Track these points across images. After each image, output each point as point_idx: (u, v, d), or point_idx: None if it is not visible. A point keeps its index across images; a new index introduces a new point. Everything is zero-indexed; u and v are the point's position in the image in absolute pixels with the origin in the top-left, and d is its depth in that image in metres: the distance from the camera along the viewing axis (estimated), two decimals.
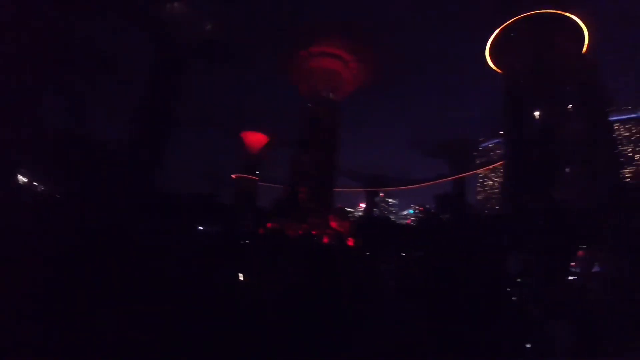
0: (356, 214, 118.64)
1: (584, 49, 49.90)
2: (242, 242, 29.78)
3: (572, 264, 31.32)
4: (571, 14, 48.67)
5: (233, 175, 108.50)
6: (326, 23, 70.07)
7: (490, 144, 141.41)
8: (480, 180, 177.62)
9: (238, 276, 13.81)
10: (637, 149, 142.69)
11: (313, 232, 44.86)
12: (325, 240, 44.99)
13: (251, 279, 13.63)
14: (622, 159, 67.39)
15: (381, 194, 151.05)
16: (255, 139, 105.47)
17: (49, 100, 50.58)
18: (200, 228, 47.50)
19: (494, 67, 57.32)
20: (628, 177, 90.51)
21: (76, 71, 55.54)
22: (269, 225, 42.92)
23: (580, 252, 31.64)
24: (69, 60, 53.69)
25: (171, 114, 64.33)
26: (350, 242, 44.97)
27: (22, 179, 44.22)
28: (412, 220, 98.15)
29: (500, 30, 52.90)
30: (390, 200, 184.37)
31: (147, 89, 61.94)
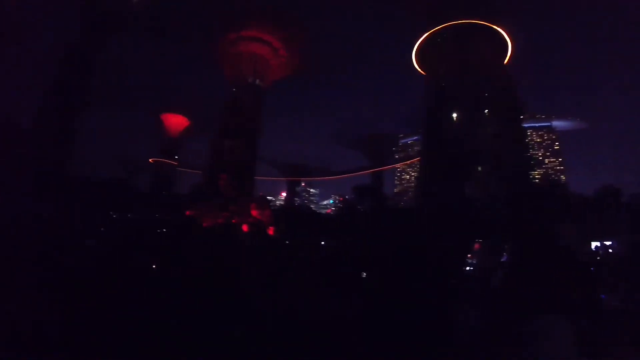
0: (277, 202, 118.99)
1: (506, 60, 53.60)
2: (158, 230, 27.96)
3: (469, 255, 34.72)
4: (498, 26, 51.92)
5: (150, 160, 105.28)
6: (258, 8, 68.92)
7: (409, 140, 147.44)
8: (398, 174, 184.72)
9: (151, 266, 13.10)
10: (547, 153, 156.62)
11: (233, 221, 45.35)
12: (245, 228, 45.50)
13: (166, 268, 12.74)
14: (532, 162, 72.98)
15: (303, 184, 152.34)
16: (176, 122, 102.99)
17: None
18: (113, 215, 46.11)
19: (419, 69, 59.93)
20: (537, 179, 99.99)
21: None
22: (187, 212, 42.49)
23: (476, 245, 34.66)
24: None
25: (85, 90, 61.78)
26: (271, 230, 45.73)
27: None
28: (332, 210, 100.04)
29: (428, 35, 55.44)
30: (312, 190, 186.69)
31: (59, 63, 58.91)
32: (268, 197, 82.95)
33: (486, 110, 48.55)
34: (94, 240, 18.44)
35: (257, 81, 75.41)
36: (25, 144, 46.65)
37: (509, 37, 52.48)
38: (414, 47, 58.27)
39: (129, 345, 6.16)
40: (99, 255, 14.03)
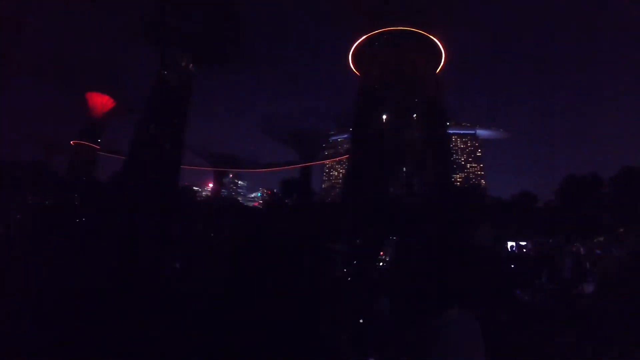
0: (204, 193, 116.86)
1: (439, 69, 55.86)
2: (77, 218, 26.53)
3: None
4: (433, 35, 53.72)
5: (72, 142, 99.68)
6: None
7: (339, 138, 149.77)
8: (327, 170, 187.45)
9: (69, 255, 10.89)
10: (469, 159, 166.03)
11: None
12: None
13: (83, 258, 10.20)
14: (455, 166, 76.60)
15: (230, 175, 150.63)
16: (101, 102, 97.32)
17: None
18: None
19: (354, 69, 61.06)
20: (459, 181, 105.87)
21: None
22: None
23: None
24: None
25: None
26: None
27: None
28: (260, 203, 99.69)
29: (365, 38, 56.39)
30: (240, 182, 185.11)
31: None
32: (194, 188, 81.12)
33: (414, 115, 50.53)
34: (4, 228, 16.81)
35: (190, 65, 72.54)
36: None
37: (442, 46, 54.41)
38: (351, 47, 59.06)
39: None
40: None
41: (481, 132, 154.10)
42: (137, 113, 75.70)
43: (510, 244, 25.96)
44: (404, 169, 48.81)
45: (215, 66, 77.92)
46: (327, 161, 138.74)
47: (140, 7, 69.96)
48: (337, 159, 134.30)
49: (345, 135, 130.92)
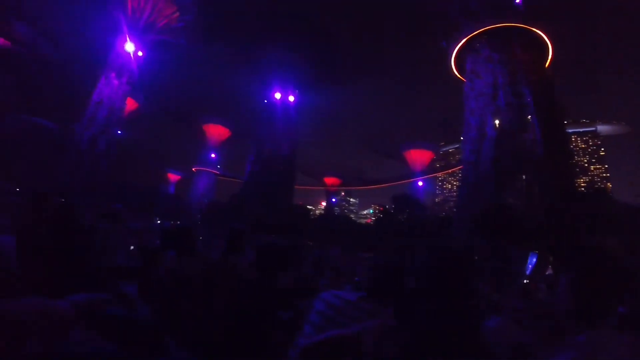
0: (317, 212, 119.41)
1: (547, 63, 52.00)
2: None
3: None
4: (537, 29, 50.56)
5: (193, 169, 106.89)
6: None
7: (450, 148, 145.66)
8: (440, 183, 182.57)
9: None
10: (592, 160, 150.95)
11: None
12: None
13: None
14: (577, 169, 70.54)
15: (342, 193, 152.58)
16: (218, 132, 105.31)
17: None
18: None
19: (458, 74, 59.01)
20: (583, 186, 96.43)
21: None
22: None
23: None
24: None
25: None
26: None
27: None
28: (372, 220, 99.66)
29: (467, 40, 54.50)
30: (351, 199, 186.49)
31: None
32: (308, 207, 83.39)
33: (529, 116, 47.19)
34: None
35: (290, 97, 75.58)
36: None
37: (548, 39, 50.86)
38: (452, 52, 57.28)
39: None
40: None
41: (602, 128, 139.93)
42: (249, 139, 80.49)
43: None
44: (523, 176, 45.44)
45: (316, 89, 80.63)
46: (439, 174, 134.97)
47: (239, 39, 74.83)
48: (449, 170, 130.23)
49: (457, 145, 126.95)
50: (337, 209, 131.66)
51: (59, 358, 1.87)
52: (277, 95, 74.04)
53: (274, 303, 4.66)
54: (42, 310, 2.07)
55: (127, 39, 58.98)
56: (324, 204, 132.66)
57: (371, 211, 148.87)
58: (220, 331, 4.38)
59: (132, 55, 59.89)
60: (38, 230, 3.51)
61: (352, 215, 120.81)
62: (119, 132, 61.21)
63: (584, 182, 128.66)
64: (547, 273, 30.69)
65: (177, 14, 62.25)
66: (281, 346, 4.06)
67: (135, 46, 60.09)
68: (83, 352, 1.89)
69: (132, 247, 8.84)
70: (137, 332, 2.58)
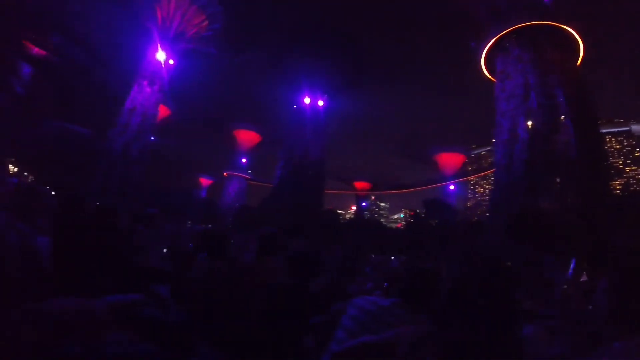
0: (347, 216, 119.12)
1: (578, 62, 50.56)
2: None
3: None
4: (568, 26, 49.14)
5: (225, 173, 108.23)
6: None
7: (482, 151, 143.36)
8: (472, 187, 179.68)
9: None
10: (627, 161, 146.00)
11: None
12: None
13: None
14: (612, 171, 68.27)
15: (372, 197, 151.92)
16: (248, 138, 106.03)
17: None
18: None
19: (488, 75, 57.87)
20: (618, 189, 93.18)
21: None
22: None
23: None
24: None
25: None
26: None
27: (12, 168, 46.95)
28: (402, 224, 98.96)
29: (496, 39, 53.18)
30: (382, 203, 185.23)
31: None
32: (338, 211, 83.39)
33: (561, 117, 45.98)
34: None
35: (319, 102, 75.59)
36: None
37: (579, 37, 49.42)
38: (482, 52, 55.96)
39: None
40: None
41: (636, 128, 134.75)
42: (279, 144, 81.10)
43: None
44: (556, 179, 44.24)
45: (346, 94, 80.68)
46: (470, 177, 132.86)
47: (268, 45, 75.88)
48: (481, 174, 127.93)
49: (488, 148, 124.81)
50: (367, 214, 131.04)
51: (96, 358, 1.89)
52: (307, 100, 74.14)
53: (306, 307, 4.64)
54: (79, 310, 2.10)
55: (159, 48, 60.39)
56: (354, 208, 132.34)
57: (402, 215, 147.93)
58: (252, 334, 4.39)
59: (163, 64, 61.22)
60: (74, 232, 3.59)
61: (382, 220, 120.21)
62: (152, 138, 62.44)
63: (619, 185, 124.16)
64: (582, 279, 29.62)
65: (206, 22, 63.33)
66: (313, 351, 4.04)
67: (167, 55, 61.42)
68: (119, 352, 1.92)
69: (165, 250, 9.00)
70: (170, 333, 2.60)
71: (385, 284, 9.78)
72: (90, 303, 2.20)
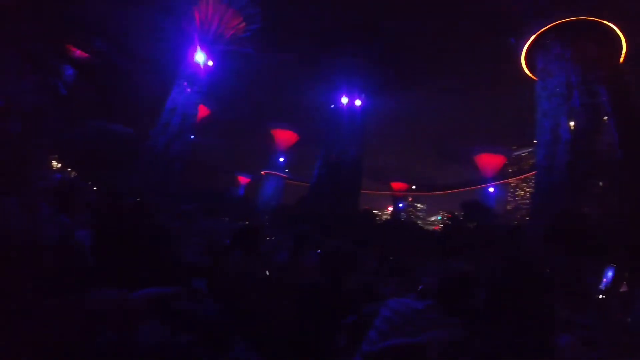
0: (383, 217, 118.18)
1: (622, 59, 48.95)
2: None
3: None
4: (611, 22, 47.59)
5: (262, 172, 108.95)
6: None
7: (522, 152, 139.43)
8: (511, 190, 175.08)
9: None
10: None
11: None
12: None
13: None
14: None
15: (410, 198, 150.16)
16: (286, 137, 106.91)
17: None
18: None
19: (529, 73, 56.65)
20: None
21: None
22: None
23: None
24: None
25: None
26: None
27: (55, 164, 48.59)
28: (440, 227, 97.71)
29: (537, 36, 52.14)
30: (419, 205, 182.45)
31: None
32: (374, 211, 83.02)
33: (605, 117, 44.32)
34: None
35: (356, 101, 75.58)
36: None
37: (622, 33, 47.58)
38: (522, 49, 54.61)
39: None
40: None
41: None
42: (317, 144, 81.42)
43: None
44: (600, 182, 42.66)
45: (384, 93, 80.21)
46: (510, 180, 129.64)
47: (305, 45, 76.31)
48: (521, 176, 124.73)
49: (529, 149, 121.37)
50: (404, 215, 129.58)
51: (132, 347, 1.94)
52: (344, 100, 74.30)
53: (339, 306, 4.63)
54: (117, 301, 2.16)
55: (198, 49, 61.72)
56: (390, 209, 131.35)
57: (439, 217, 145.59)
58: (285, 331, 4.42)
59: (202, 65, 62.52)
60: (114, 226, 3.70)
61: (419, 222, 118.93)
62: (192, 137, 63.82)
63: None
64: (621, 289, 28.59)
65: (244, 24, 64.23)
66: (345, 350, 4.03)
67: (206, 56, 62.68)
68: (153, 342, 1.97)
69: (202, 245, 9.15)
70: (205, 326, 2.65)
71: (420, 286, 9.70)
72: (127, 295, 2.26)
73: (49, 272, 2.35)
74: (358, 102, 75.38)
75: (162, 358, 2.04)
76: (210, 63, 64.51)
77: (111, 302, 2.17)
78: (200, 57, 62.22)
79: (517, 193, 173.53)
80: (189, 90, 61.25)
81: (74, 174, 47.18)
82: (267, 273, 5.57)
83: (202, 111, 75.06)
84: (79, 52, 61.17)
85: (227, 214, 53.36)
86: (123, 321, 2.09)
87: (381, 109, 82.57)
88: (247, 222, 45.08)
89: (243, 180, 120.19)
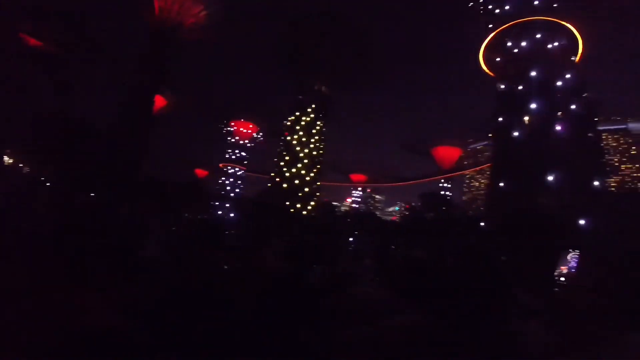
0: (342, 208, 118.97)
1: (577, 59, 50.61)
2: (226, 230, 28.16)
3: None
4: (567, 22, 49.23)
5: (220, 165, 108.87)
6: None
7: (478, 145, 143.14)
8: (467, 181, 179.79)
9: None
10: (623, 159, 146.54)
11: None
12: None
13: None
14: (608, 168, 68.23)
15: (368, 190, 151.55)
16: (246, 129, 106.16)
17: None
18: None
19: (487, 71, 57.80)
20: (613, 186, 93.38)
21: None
22: None
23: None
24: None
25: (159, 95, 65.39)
26: None
27: (7, 160, 46.62)
28: (397, 217, 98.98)
29: (495, 34, 53.27)
30: (377, 196, 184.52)
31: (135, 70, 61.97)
32: (333, 203, 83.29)
33: (559, 113, 45.87)
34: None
35: (323, 87, 75.58)
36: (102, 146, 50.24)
37: (579, 33, 49.50)
38: (480, 47, 56.10)
39: None
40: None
41: (634, 126, 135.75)
42: (277, 136, 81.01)
43: None
44: (553, 175, 44.13)
45: (349, 88, 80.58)
46: (466, 171, 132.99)
47: (275, 36, 75.54)
48: (477, 168, 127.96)
49: (485, 143, 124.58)
50: (362, 206, 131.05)
51: None
52: (308, 93, 74.02)
53: (303, 299, 4.60)
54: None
55: (156, 38, 60.13)
56: (349, 200, 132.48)
57: (397, 208, 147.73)
58: (247, 325, 4.33)
59: (160, 55, 60.99)
60: (70, 222, 3.57)
61: (377, 212, 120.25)
62: (150, 128, 62.51)
63: (614, 182, 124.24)
64: (580, 276, 29.70)
65: (205, 12, 62.84)
66: (310, 342, 4.01)
67: (163, 45, 61.11)
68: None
69: (161, 240, 8.94)
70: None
71: (380, 275, 9.84)
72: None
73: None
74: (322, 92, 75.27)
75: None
76: (169, 52, 63.11)
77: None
78: (157, 45, 60.69)
79: (472, 184, 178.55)
80: (146, 79, 59.62)
81: (26, 169, 45.43)
82: (229, 265, 5.48)
83: (159, 102, 73.30)
84: (32, 41, 58.53)
85: (185, 208, 52.32)
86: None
87: (347, 103, 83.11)
88: (206, 216, 44.57)
89: (201, 173, 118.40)
